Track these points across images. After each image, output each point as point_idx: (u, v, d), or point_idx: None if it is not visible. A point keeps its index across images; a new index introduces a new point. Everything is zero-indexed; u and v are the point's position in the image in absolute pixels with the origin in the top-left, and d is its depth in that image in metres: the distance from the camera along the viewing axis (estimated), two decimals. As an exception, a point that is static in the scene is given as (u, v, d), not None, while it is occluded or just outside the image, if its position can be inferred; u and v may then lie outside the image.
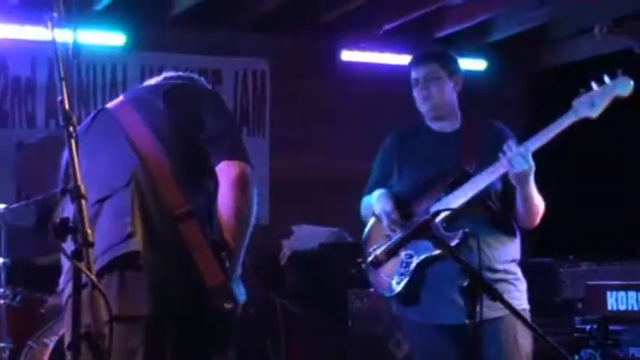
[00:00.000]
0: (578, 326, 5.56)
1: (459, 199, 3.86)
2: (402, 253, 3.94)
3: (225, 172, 2.97)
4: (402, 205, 4.02)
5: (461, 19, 7.88)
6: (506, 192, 3.94)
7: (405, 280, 3.96)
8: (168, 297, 2.85)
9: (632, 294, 5.03)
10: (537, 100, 8.63)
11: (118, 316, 2.40)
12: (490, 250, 3.91)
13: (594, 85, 3.74)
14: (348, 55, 8.16)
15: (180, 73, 3.42)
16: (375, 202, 4.14)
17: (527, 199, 3.88)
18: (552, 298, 6.34)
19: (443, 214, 3.79)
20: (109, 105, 3.26)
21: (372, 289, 4.13)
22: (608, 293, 5.15)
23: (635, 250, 6.68)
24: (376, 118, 8.13)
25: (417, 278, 3.94)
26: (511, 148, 3.76)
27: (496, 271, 3.91)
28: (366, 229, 4.23)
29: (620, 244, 6.80)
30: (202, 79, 3.44)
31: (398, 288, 3.98)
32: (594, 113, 3.73)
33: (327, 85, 8.11)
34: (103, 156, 3.01)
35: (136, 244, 2.84)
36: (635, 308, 5.00)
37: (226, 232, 2.94)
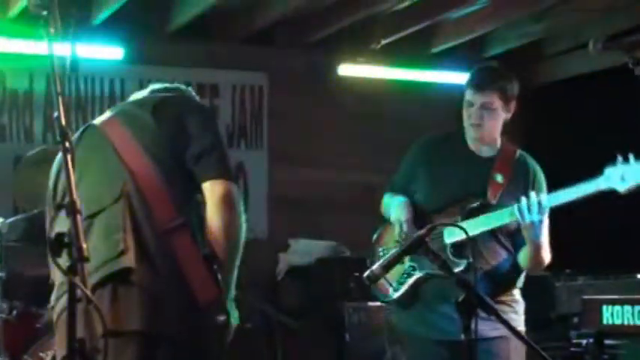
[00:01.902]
0: (574, 340, 5.58)
1: (470, 228, 3.76)
2: (407, 264, 3.96)
3: (211, 191, 2.95)
4: (420, 217, 4.01)
5: (457, 33, 7.91)
6: (519, 232, 3.88)
7: (403, 290, 3.98)
8: (160, 311, 2.85)
9: (627, 308, 5.02)
10: (534, 115, 8.64)
11: (111, 331, 2.40)
12: (494, 282, 3.91)
13: (631, 159, 3.57)
14: (345, 70, 8.19)
15: (167, 85, 3.39)
16: (393, 209, 4.11)
17: (534, 250, 3.83)
18: (548, 313, 6.36)
19: (450, 240, 3.84)
20: (96, 121, 3.25)
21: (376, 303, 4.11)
22: (604, 307, 5.14)
23: (631, 264, 6.69)
24: (373, 132, 8.18)
25: (415, 290, 3.96)
26: (528, 197, 3.70)
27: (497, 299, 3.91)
28: (379, 230, 4.23)
29: (616, 259, 6.82)
30: (190, 89, 3.42)
31: (395, 295, 4.00)
32: (622, 189, 3.57)
33: (324, 100, 8.13)
34: (92, 172, 3.00)
35: (129, 260, 2.83)
36: (631, 322, 5.00)
37: (217, 252, 2.92)
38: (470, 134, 4.03)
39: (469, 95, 3.98)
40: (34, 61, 6.75)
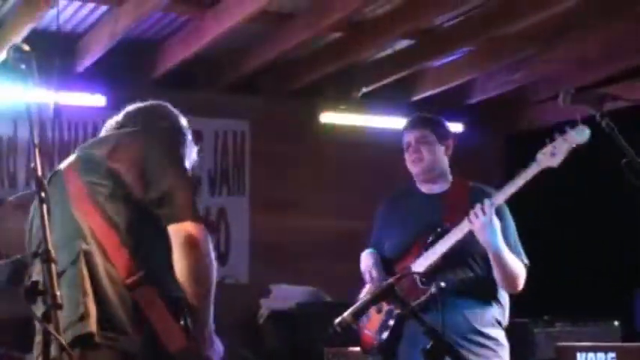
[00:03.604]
0: (551, 386, 5.62)
1: (434, 255, 3.91)
2: (385, 309, 4.01)
3: (174, 236, 2.92)
4: (387, 264, 4.07)
5: (438, 82, 8.02)
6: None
7: (387, 334, 4.00)
8: None
9: (600, 355, 5.08)
10: (514, 162, 8.71)
11: None
12: (470, 311, 3.94)
13: (556, 136, 3.83)
14: (327, 117, 8.27)
15: (141, 106, 3.37)
16: (362, 262, 4.20)
17: (498, 261, 3.88)
18: (527, 359, 6.39)
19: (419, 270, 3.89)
20: (62, 165, 3.22)
21: (356, 348, 4.14)
22: (578, 354, 5.20)
23: (609, 310, 6.75)
24: (354, 178, 8.25)
25: (398, 332, 3.97)
26: (475, 204, 3.84)
27: (476, 333, 3.93)
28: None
29: (595, 305, 6.87)
30: (165, 107, 3.40)
31: (381, 341, 4.02)
32: (555, 163, 3.81)
33: (306, 147, 8.21)
34: (53, 228, 2.84)
35: (90, 325, 2.83)
36: (604, 368, 5.07)
37: (188, 295, 2.91)
38: (414, 172, 4.16)
39: (405, 138, 4.17)
40: (18, 108, 6.78)
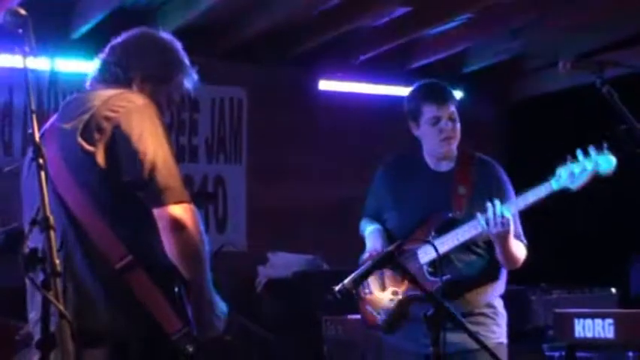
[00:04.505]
0: (547, 353, 5.63)
1: (442, 246, 3.86)
2: (389, 289, 4.03)
3: (158, 220, 2.83)
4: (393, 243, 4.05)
5: (436, 49, 7.99)
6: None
7: (389, 314, 4.02)
8: (129, 354, 2.84)
9: (598, 321, 5.08)
10: (512, 129, 8.74)
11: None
12: (475, 293, 3.97)
13: (579, 156, 3.67)
14: (325, 85, 8.26)
15: (127, 39, 3.26)
16: (367, 239, 4.19)
17: (505, 253, 3.90)
18: (524, 326, 6.41)
19: (425, 260, 3.92)
20: (48, 124, 3.11)
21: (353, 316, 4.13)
22: (576, 321, 5.20)
23: (605, 277, 6.77)
24: (352, 146, 8.24)
25: (401, 313, 4.00)
26: (490, 209, 3.76)
27: (477, 309, 3.97)
28: (362, 258, 4.26)
29: (591, 272, 6.89)
30: (156, 37, 3.27)
31: (382, 322, 4.05)
32: (574, 186, 3.68)
33: (304, 114, 8.20)
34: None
35: None
36: (602, 335, 5.06)
37: (181, 270, 2.87)
38: (439, 150, 4.07)
39: (433, 111, 4.00)
40: (14, 74, 6.74)
